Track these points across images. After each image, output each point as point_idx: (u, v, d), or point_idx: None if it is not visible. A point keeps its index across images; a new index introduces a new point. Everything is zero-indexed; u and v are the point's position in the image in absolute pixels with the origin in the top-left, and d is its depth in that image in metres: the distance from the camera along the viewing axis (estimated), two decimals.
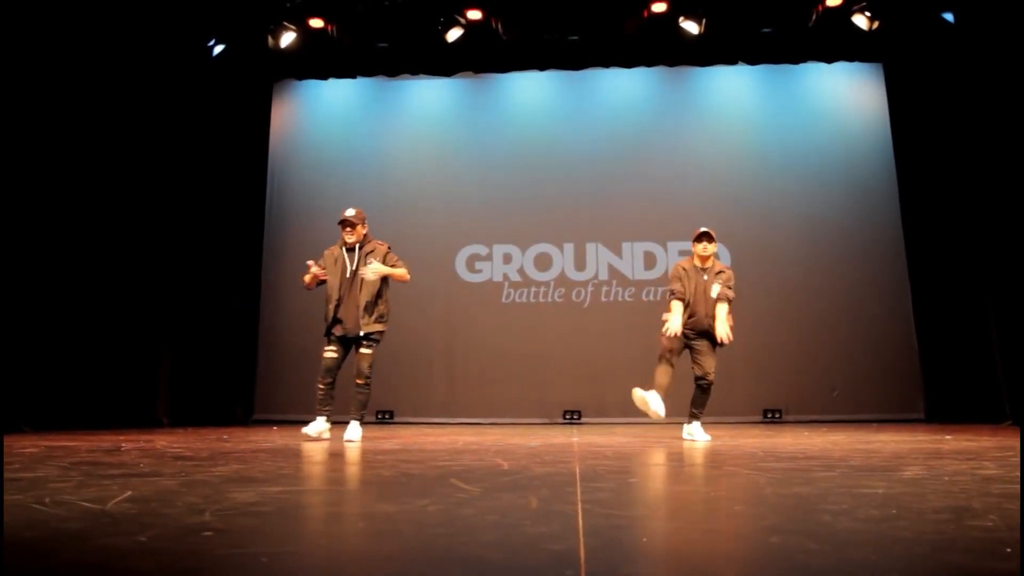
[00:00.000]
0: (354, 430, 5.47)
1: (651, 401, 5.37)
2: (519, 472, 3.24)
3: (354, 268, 5.58)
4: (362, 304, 5.46)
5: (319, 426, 5.47)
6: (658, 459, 4.01)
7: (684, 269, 5.74)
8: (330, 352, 5.53)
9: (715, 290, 5.60)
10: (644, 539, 1.79)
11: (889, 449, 4.43)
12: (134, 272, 8.09)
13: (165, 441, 5.29)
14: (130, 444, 4.92)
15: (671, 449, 4.67)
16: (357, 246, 5.65)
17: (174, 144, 8.64)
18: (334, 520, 2.18)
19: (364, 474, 3.32)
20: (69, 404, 7.26)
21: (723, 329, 5.51)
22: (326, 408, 5.51)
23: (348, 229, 5.61)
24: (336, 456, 4.19)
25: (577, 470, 3.25)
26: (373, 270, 5.41)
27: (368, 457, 4.12)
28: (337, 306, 5.53)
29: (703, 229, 5.73)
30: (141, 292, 8.13)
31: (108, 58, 7.79)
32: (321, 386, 5.50)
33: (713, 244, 5.72)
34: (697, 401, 5.68)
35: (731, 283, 5.69)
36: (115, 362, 7.78)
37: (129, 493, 2.51)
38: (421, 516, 2.10)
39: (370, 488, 2.87)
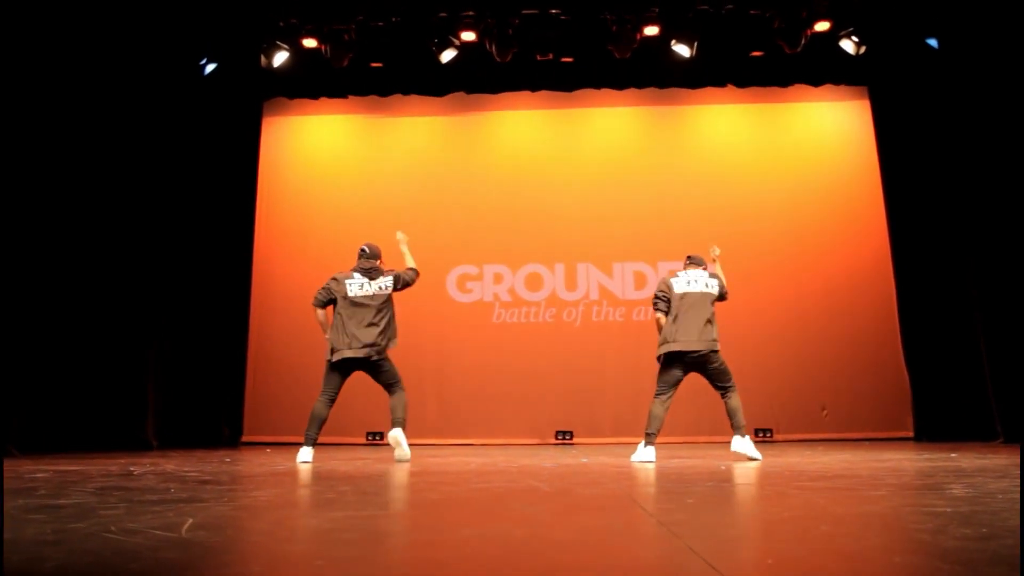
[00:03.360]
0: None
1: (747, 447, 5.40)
2: (567, 493, 3.20)
3: None
4: None
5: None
6: (705, 478, 4.00)
7: None
8: None
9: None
10: (769, 561, 1.77)
11: (908, 468, 4.47)
12: (119, 289, 7.87)
13: (171, 464, 5.13)
14: (138, 468, 4.77)
15: (687, 469, 4.66)
16: None
17: (163, 160, 8.46)
18: (427, 546, 2.11)
19: (414, 498, 3.25)
20: (56, 426, 7.04)
21: None
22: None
23: None
24: (366, 479, 4.10)
25: (626, 492, 3.22)
26: None
27: (398, 480, 4.05)
28: None
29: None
30: (127, 310, 7.92)
31: (101, 75, 7.65)
32: None
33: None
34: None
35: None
36: (101, 381, 7.56)
37: (191, 520, 2.42)
38: (512, 540, 2.05)
39: (432, 511, 2.80)
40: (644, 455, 5.36)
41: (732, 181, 9.33)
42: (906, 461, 5.03)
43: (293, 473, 4.48)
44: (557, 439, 8.77)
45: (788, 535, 2.16)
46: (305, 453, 5.49)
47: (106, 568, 1.71)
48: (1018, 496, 2.90)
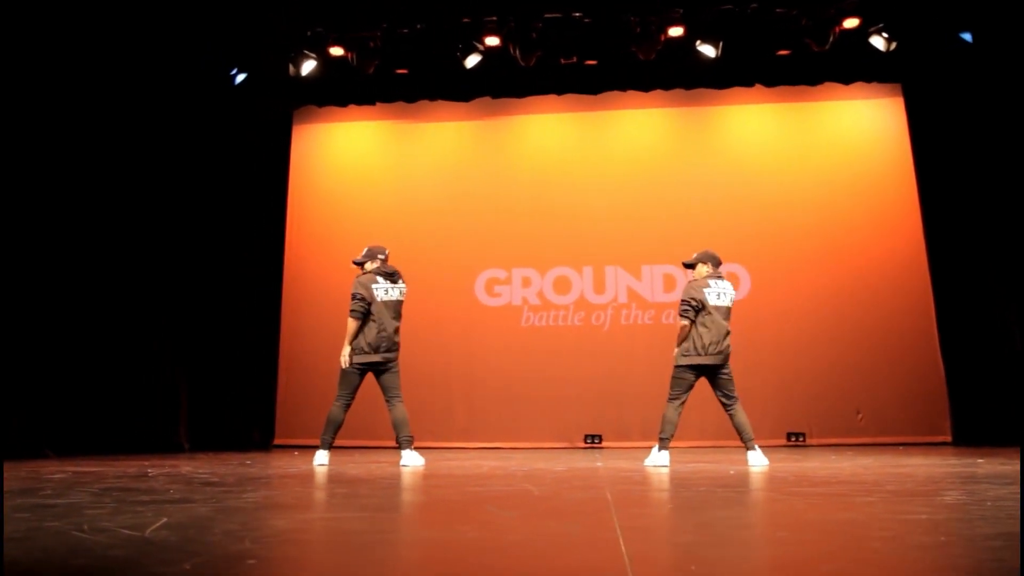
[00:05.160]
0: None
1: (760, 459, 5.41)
2: (551, 498, 3.21)
3: None
4: None
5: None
6: (690, 484, 3.97)
7: None
8: None
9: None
10: (692, 567, 1.76)
11: (922, 473, 4.37)
12: (155, 295, 8.14)
13: (189, 467, 5.28)
14: (156, 470, 4.92)
15: (701, 474, 4.62)
16: None
17: (198, 169, 8.73)
18: (376, 547, 2.16)
19: (397, 500, 3.30)
20: (91, 428, 7.29)
21: None
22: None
23: None
24: (366, 482, 4.17)
25: (609, 496, 3.21)
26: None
27: (398, 483, 4.11)
28: None
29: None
30: (162, 317, 8.18)
31: (136, 86, 7.91)
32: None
33: (693, 268, 5.74)
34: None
35: (684, 297, 5.58)
36: (135, 385, 7.82)
37: (165, 520, 2.50)
38: (463, 543, 2.08)
39: (406, 514, 2.85)
40: (658, 459, 5.35)
41: (762, 182, 9.20)
42: (924, 467, 4.91)
43: (300, 476, 4.57)
44: (586, 443, 8.76)
45: (738, 542, 2.14)
46: (321, 456, 5.58)
47: (50, 563, 1.79)
48: (1008, 504, 2.82)
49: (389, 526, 2.54)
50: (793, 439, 8.55)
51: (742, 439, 5.46)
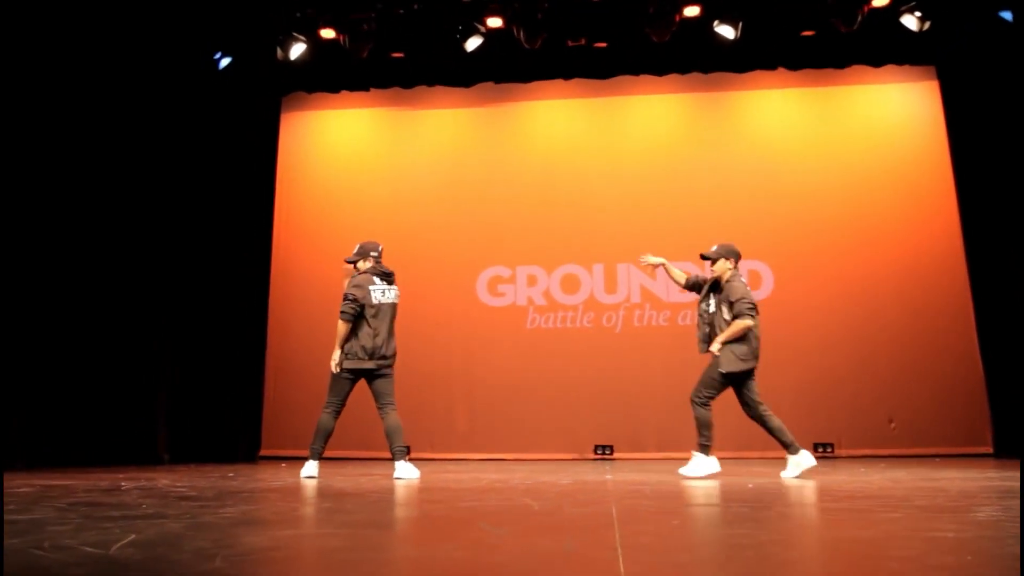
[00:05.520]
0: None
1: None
2: (551, 513, 3.21)
3: None
4: None
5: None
6: (702, 499, 3.95)
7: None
8: None
9: (724, 310, 5.68)
10: None
11: (956, 487, 4.34)
12: (130, 295, 8.14)
13: (167, 479, 5.30)
14: (130, 483, 4.94)
15: (715, 488, 4.61)
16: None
17: (178, 161, 8.74)
18: (354, 567, 2.15)
19: (384, 516, 3.30)
20: (64, 440, 7.30)
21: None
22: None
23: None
24: (352, 496, 4.17)
25: (614, 511, 3.21)
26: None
27: (387, 497, 4.10)
28: None
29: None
30: (137, 317, 8.19)
31: (111, 70, 7.92)
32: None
33: (714, 263, 5.82)
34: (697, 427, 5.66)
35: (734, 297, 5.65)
36: (112, 394, 7.83)
37: (132, 537, 2.50)
38: (448, 563, 2.07)
39: (392, 531, 2.85)
40: (709, 466, 5.44)
41: (785, 172, 9.16)
42: (959, 480, 4.88)
43: (284, 489, 4.58)
44: (596, 454, 8.74)
45: (740, 561, 2.13)
46: (311, 468, 5.59)
47: None
48: None
49: (371, 543, 2.54)
50: (820, 450, 8.50)
51: (783, 443, 5.64)
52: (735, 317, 5.58)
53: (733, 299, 5.60)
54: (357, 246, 5.82)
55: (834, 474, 5.74)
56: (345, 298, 5.59)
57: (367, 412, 5.92)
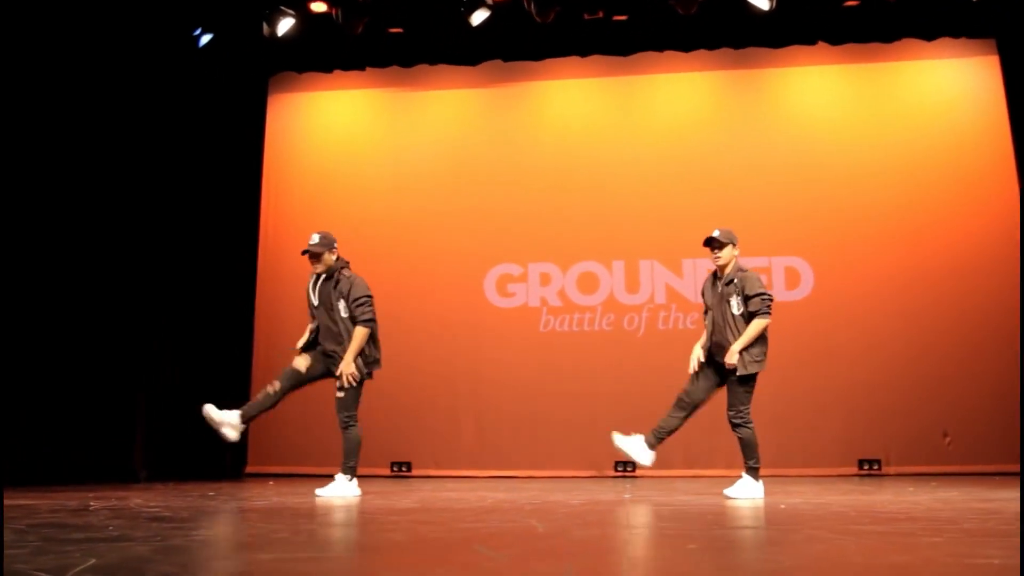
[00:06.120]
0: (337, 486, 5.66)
1: (631, 447, 5.69)
2: (556, 536, 3.21)
3: (317, 303, 5.83)
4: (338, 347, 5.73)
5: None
6: (727, 521, 3.95)
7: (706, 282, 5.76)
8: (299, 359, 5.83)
9: (735, 304, 5.46)
10: None
11: (1012, 509, 4.32)
12: (101, 293, 8.15)
13: (141, 499, 5.34)
14: (100, 502, 4.98)
15: (744, 509, 4.60)
16: (323, 278, 5.81)
17: (153, 149, 8.75)
18: None
19: (372, 539, 3.32)
20: (28, 454, 7.35)
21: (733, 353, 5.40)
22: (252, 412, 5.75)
23: (313, 260, 5.76)
24: (342, 517, 4.20)
25: (625, 534, 3.21)
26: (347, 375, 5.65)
27: (379, 518, 4.13)
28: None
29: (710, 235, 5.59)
30: (111, 317, 8.21)
31: (77, 48, 7.95)
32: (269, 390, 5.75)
33: (722, 250, 5.54)
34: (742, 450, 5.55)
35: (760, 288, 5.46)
36: (82, 406, 7.85)
37: (93, 561, 2.53)
38: None
39: (378, 555, 2.86)
40: (757, 490, 5.39)
41: (826, 158, 9.09)
42: (1016, 502, 4.84)
43: (266, 510, 4.61)
44: (617, 471, 8.73)
45: None
46: (354, 486, 5.75)
47: None
48: None
49: (354, 568, 2.56)
50: (866, 467, 8.47)
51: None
52: (753, 314, 5.39)
53: (751, 293, 5.39)
54: (321, 235, 5.76)
55: (878, 494, 5.72)
56: (364, 301, 5.70)
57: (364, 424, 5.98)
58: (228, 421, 5.56)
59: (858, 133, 9.14)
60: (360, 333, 5.63)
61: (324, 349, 5.79)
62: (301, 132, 9.97)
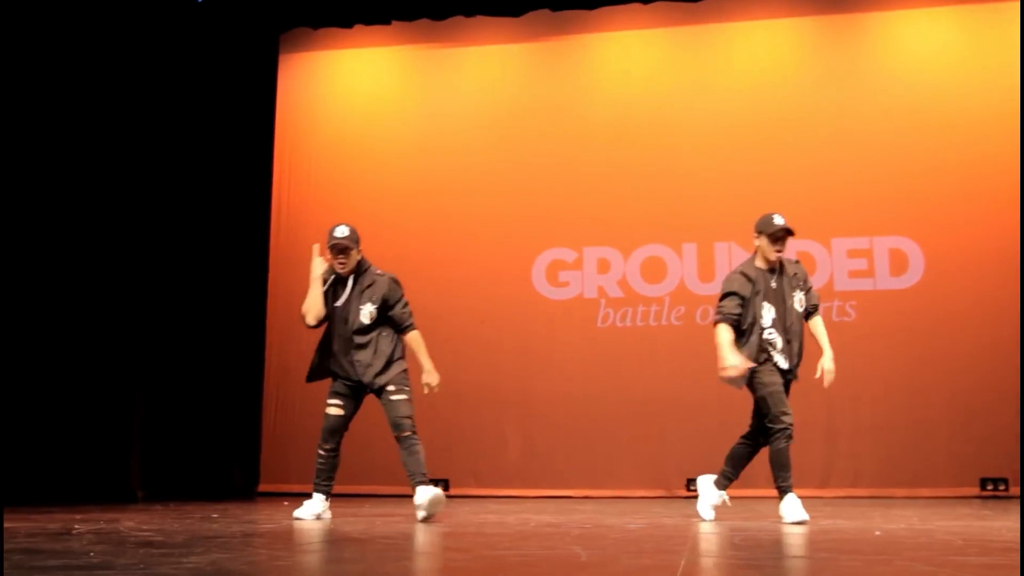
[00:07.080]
0: (426, 492, 5.58)
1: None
2: (600, 566, 3.22)
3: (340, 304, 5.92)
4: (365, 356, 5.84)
5: (315, 507, 5.84)
6: (809, 548, 3.93)
7: (746, 276, 5.58)
8: (333, 408, 5.97)
9: (797, 299, 5.55)
10: None
11: None
12: (98, 294, 8.32)
13: (133, 521, 5.45)
14: (86, 525, 5.10)
15: (832, 534, 4.56)
16: (351, 278, 5.89)
17: (149, 126, 8.89)
18: None
19: (386, 568, 3.35)
20: (10, 473, 7.53)
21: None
22: (325, 482, 5.93)
23: (341, 256, 5.81)
24: (357, 543, 4.25)
25: (681, 565, 3.21)
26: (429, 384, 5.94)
27: (399, 544, 4.17)
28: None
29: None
30: (105, 321, 8.36)
31: (74, 7, 8.12)
32: (321, 452, 5.95)
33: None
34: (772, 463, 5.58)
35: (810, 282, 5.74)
36: (73, 418, 8.02)
37: None
38: None
39: None
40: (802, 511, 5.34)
41: (940, 117, 8.85)
42: None
43: (272, 534, 4.69)
44: (689, 491, 8.66)
45: None
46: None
47: None
48: None
49: None
50: (990, 487, 8.33)
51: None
52: (814, 308, 5.65)
53: (811, 284, 5.67)
54: (350, 229, 5.84)
55: (998, 519, 5.61)
56: (407, 302, 5.94)
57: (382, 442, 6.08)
58: None
59: (979, 85, 8.84)
60: (420, 336, 5.92)
61: (342, 361, 5.92)
62: (317, 97, 10.05)
